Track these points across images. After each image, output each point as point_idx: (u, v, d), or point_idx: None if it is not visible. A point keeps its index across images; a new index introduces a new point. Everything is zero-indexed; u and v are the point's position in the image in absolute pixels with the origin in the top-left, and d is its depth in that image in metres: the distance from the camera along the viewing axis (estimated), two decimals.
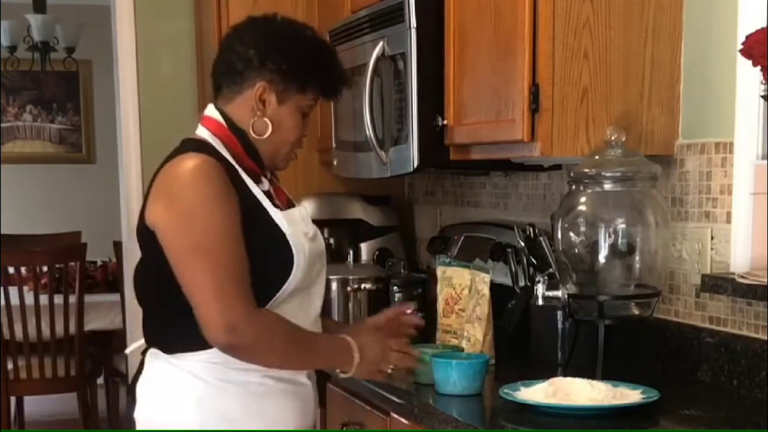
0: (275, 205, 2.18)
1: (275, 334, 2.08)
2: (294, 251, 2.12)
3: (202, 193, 2.03)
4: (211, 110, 2.21)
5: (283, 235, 2.12)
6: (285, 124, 2.15)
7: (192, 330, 2.07)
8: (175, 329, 2.13)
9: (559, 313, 2.62)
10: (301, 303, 2.19)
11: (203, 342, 2.08)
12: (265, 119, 2.14)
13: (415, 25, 2.84)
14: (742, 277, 2.29)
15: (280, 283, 2.12)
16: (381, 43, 3.00)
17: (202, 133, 2.18)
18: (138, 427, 2.23)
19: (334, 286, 3.29)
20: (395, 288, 3.29)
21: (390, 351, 2.20)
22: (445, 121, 2.81)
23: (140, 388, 2.22)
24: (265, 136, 2.15)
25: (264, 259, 2.10)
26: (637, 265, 2.39)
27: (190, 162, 2.06)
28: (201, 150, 2.11)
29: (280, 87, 2.14)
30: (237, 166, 2.13)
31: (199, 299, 2.03)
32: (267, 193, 2.19)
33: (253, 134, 2.16)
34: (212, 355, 2.10)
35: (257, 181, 2.18)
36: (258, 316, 2.06)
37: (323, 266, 2.27)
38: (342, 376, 2.22)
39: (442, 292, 2.80)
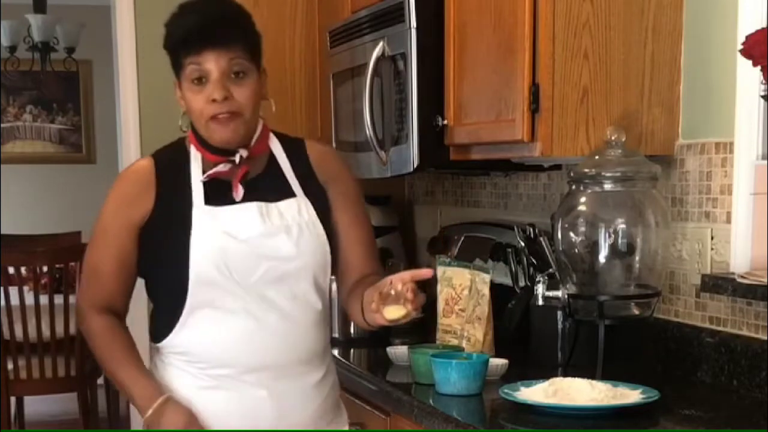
0: (220, 200, 2.14)
1: (91, 340, 2.22)
2: (191, 249, 2.09)
3: (110, 194, 2.23)
4: None
5: (189, 234, 2.11)
6: (187, 100, 2.16)
7: (157, 321, 2.20)
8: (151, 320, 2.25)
9: (559, 313, 2.62)
10: (246, 306, 2.12)
11: (159, 333, 2.18)
12: (181, 102, 2.20)
13: (415, 25, 2.85)
14: (742, 277, 2.29)
15: (184, 279, 2.10)
16: (381, 43, 3.00)
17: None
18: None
19: (333, 286, 3.27)
20: None
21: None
22: (445, 121, 2.81)
23: None
24: (191, 118, 2.18)
25: (171, 254, 2.12)
26: (637, 265, 2.39)
27: (130, 165, 2.28)
28: (161, 150, 2.24)
29: (175, 75, 2.18)
30: (192, 161, 2.17)
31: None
32: (216, 182, 2.15)
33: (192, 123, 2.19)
34: (164, 345, 2.19)
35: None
36: (90, 316, 2.21)
37: (274, 269, 2.15)
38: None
39: (442, 293, 2.80)
